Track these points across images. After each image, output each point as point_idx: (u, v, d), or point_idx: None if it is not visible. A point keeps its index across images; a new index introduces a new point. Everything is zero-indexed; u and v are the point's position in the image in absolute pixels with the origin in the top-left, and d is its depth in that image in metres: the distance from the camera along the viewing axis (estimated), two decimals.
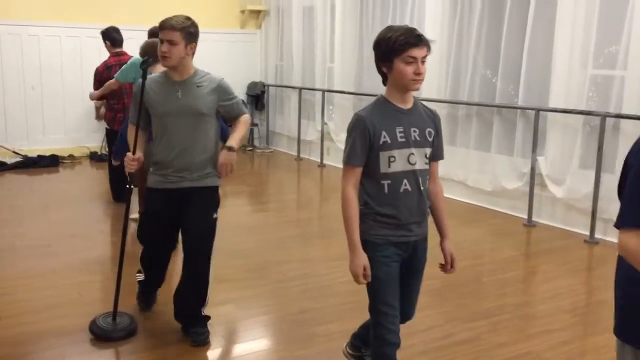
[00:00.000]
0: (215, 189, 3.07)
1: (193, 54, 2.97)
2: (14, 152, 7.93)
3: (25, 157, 7.85)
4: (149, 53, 5.16)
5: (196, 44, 2.97)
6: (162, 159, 2.99)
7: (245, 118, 3.13)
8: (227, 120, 3.21)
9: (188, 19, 2.94)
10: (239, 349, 3.11)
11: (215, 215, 3.04)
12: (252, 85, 9.70)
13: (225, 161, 2.98)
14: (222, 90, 3.02)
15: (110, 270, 4.19)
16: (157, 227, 3.12)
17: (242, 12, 9.55)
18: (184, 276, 3.10)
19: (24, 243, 4.68)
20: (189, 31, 2.89)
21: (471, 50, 6.05)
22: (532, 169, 5.39)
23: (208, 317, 3.13)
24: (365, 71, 7.69)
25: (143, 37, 7.44)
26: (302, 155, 8.82)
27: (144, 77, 2.96)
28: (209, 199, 3.05)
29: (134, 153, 3.04)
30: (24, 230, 5.00)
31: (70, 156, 8.24)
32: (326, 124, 8.24)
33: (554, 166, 5.33)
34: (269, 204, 6.35)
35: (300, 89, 8.72)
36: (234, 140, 3.02)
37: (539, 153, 5.40)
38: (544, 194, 5.44)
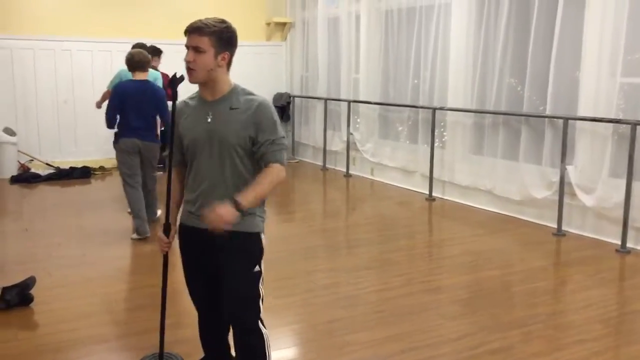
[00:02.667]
0: (255, 236, 2.40)
1: (229, 66, 2.36)
2: (47, 164, 8.13)
3: (58, 169, 8.04)
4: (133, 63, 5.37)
5: (231, 54, 2.34)
6: (190, 193, 2.44)
7: (277, 169, 2.32)
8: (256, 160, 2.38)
9: (222, 21, 2.31)
10: (272, 357, 3.14)
11: (257, 269, 2.40)
12: (278, 97, 9.79)
13: (218, 216, 2.17)
14: (259, 118, 2.31)
15: (144, 280, 4.27)
16: (191, 273, 2.54)
17: (268, 24, 9.68)
18: (235, 349, 2.54)
19: (59, 253, 4.80)
20: (221, 37, 2.27)
21: (498, 59, 6.05)
22: (562, 178, 5.36)
23: None
24: (391, 81, 7.73)
25: (171, 51, 7.63)
26: (327, 166, 8.87)
27: (174, 98, 2.40)
28: (247, 248, 2.39)
29: (167, 231, 2.47)
30: (59, 240, 5.13)
31: (101, 168, 8.41)
32: (352, 134, 8.28)
33: (584, 175, 5.29)
34: (295, 214, 6.41)
35: (326, 99, 8.78)
36: (248, 196, 2.24)
37: (568, 162, 5.36)
38: (574, 203, 5.40)
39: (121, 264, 4.54)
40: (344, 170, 8.42)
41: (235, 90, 2.37)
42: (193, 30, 2.26)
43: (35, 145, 8.24)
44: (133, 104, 5.18)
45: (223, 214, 2.17)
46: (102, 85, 8.41)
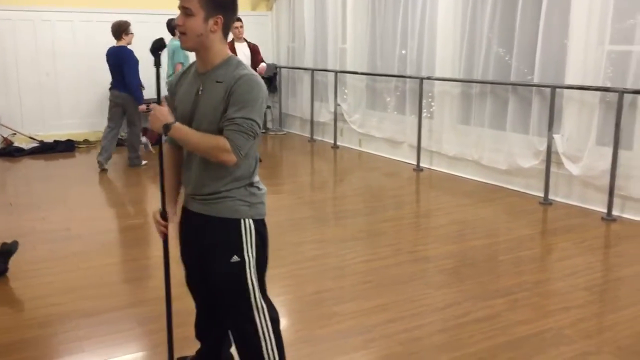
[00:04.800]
0: (232, 223, 2.14)
1: (225, 33, 2.11)
2: (30, 137, 8.01)
3: (42, 143, 7.94)
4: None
5: (226, 18, 2.07)
6: (183, 170, 2.27)
7: (223, 142, 2.02)
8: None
9: None
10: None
11: (235, 259, 2.15)
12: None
13: (152, 116, 2.10)
14: (233, 90, 2.04)
15: (129, 253, 4.25)
16: (182, 256, 2.38)
17: None
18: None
19: (44, 227, 4.75)
20: None
21: (485, 28, 5.99)
22: (549, 147, 5.36)
23: None
24: (378, 51, 7.65)
25: (156, 21, 7.52)
26: (315, 137, 8.83)
27: (157, 64, 2.19)
28: (221, 236, 2.16)
29: (163, 211, 2.26)
30: (44, 215, 5.07)
31: (86, 141, 8.31)
32: (339, 105, 8.22)
33: (571, 144, 5.29)
34: (283, 186, 6.38)
35: (313, 70, 8.69)
36: (183, 128, 2.08)
37: (555, 131, 5.36)
38: (561, 172, 5.41)
39: (106, 238, 4.50)
40: (332, 141, 8.38)
41: (227, 62, 2.10)
42: None
43: (18, 119, 8.10)
44: (110, 65, 6.85)
45: (156, 113, 2.08)
46: (85, 57, 8.31)
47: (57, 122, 8.31)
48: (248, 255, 2.16)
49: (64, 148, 7.90)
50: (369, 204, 5.58)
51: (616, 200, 4.93)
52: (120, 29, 6.71)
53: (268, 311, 2.24)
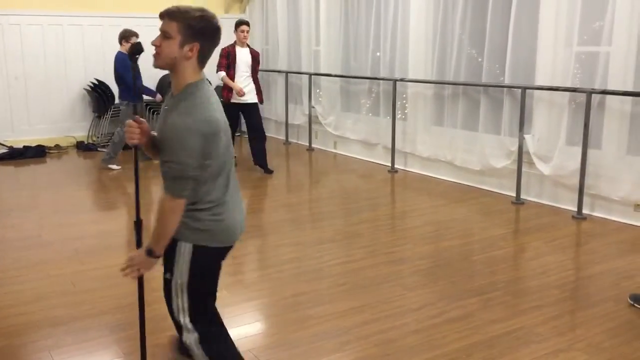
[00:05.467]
0: (174, 242, 2.15)
1: (200, 61, 2.12)
2: None
3: (11, 148, 7.79)
4: None
5: (204, 46, 2.10)
6: None
7: (161, 202, 2.09)
8: None
9: (200, 10, 2.09)
10: (233, 333, 3.10)
11: (167, 276, 2.20)
12: None
13: (130, 262, 2.18)
14: (165, 129, 2.06)
15: (100, 260, 4.18)
16: None
17: None
18: None
19: (13, 234, 4.66)
20: (189, 24, 2.05)
21: (457, 30, 6.06)
22: (520, 147, 5.43)
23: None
24: (352, 54, 7.68)
25: (129, 24, 7.46)
26: (290, 140, 8.82)
27: (133, 68, 2.28)
28: (167, 250, 2.17)
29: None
30: (13, 222, 4.97)
31: (57, 146, 8.18)
32: (313, 107, 8.22)
33: (541, 144, 5.37)
34: (259, 189, 6.36)
35: (287, 72, 8.68)
36: (151, 242, 2.13)
37: (526, 131, 5.43)
38: (532, 172, 5.49)
39: (78, 245, 4.43)
40: (307, 144, 8.38)
41: (190, 88, 2.09)
42: (165, 14, 2.09)
43: None
44: None
45: (138, 263, 2.16)
46: (55, 61, 8.18)
47: (27, 127, 8.16)
48: (180, 278, 2.18)
49: (34, 154, 7.77)
50: (344, 206, 5.59)
51: (586, 199, 5.02)
52: (121, 36, 6.90)
53: (200, 339, 2.23)
